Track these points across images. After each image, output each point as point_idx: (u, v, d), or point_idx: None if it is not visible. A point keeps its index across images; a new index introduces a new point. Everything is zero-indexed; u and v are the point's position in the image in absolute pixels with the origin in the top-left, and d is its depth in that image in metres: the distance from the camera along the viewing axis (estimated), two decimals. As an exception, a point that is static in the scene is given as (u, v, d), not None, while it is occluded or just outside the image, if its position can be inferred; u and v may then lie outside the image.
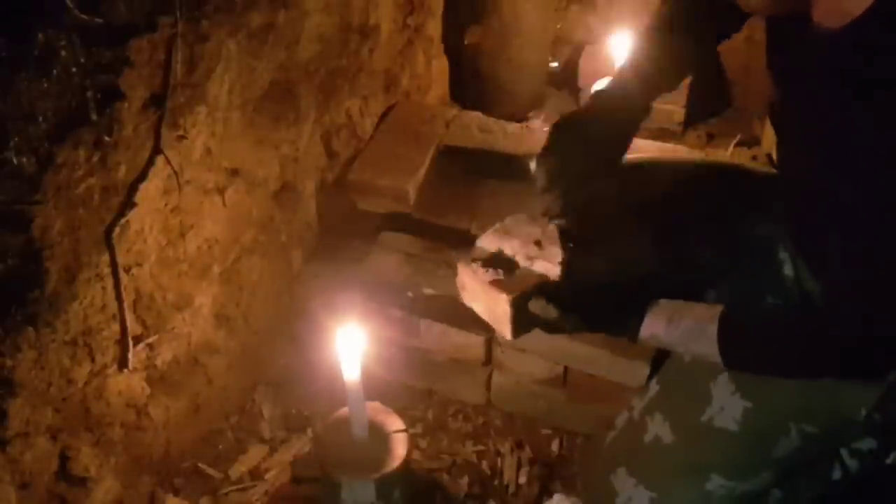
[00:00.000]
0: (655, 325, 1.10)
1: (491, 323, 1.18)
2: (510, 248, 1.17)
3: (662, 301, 1.12)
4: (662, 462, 1.21)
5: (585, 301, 1.11)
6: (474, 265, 1.15)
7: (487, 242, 1.19)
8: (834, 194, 0.93)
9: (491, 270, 1.14)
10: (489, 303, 1.15)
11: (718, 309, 1.08)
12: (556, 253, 1.15)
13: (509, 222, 1.21)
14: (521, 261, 1.16)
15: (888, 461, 1.17)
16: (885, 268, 0.91)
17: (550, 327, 1.12)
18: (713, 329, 1.06)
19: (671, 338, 1.11)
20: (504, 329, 1.14)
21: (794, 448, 1.14)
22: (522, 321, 1.12)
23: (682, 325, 1.09)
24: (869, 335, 0.96)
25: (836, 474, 1.20)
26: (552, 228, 1.17)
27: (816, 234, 1.05)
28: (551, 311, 1.09)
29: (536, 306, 1.09)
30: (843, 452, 1.19)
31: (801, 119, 1.03)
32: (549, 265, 1.14)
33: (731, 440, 1.16)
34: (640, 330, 1.11)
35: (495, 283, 1.12)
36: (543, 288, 1.11)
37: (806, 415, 1.13)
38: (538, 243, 1.17)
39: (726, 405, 1.16)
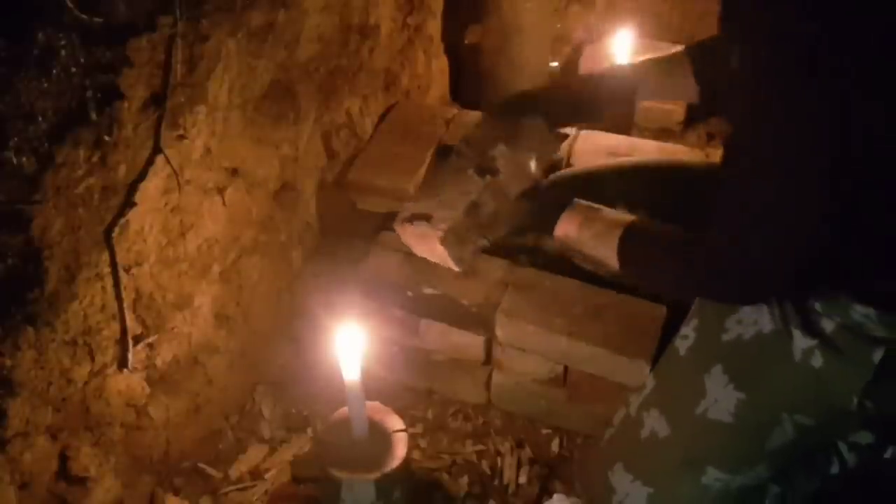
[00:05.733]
0: (569, 226, 1.19)
1: (440, 263, 1.43)
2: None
3: (579, 203, 1.20)
4: (659, 457, 1.22)
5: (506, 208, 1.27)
6: (404, 224, 1.42)
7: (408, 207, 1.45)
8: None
9: (416, 223, 1.38)
10: (429, 248, 1.39)
11: (628, 218, 1.16)
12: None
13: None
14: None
15: (886, 455, 1.17)
16: (748, 195, 0.98)
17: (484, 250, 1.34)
18: (617, 234, 1.14)
19: (582, 239, 1.19)
20: (449, 263, 1.39)
21: (789, 440, 1.14)
22: (458, 254, 1.37)
23: (593, 229, 1.17)
24: (740, 258, 1.02)
25: (834, 469, 1.20)
26: None
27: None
28: (468, 247, 1.30)
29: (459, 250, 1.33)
30: (842, 447, 1.19)
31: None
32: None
33: (726, 432, 1.17)
34: (555, 229, 1.20)
35: (423, 234, 1.38)
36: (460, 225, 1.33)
37: (798, 406, 1.13)
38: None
39: (720, 397, 1.17)
